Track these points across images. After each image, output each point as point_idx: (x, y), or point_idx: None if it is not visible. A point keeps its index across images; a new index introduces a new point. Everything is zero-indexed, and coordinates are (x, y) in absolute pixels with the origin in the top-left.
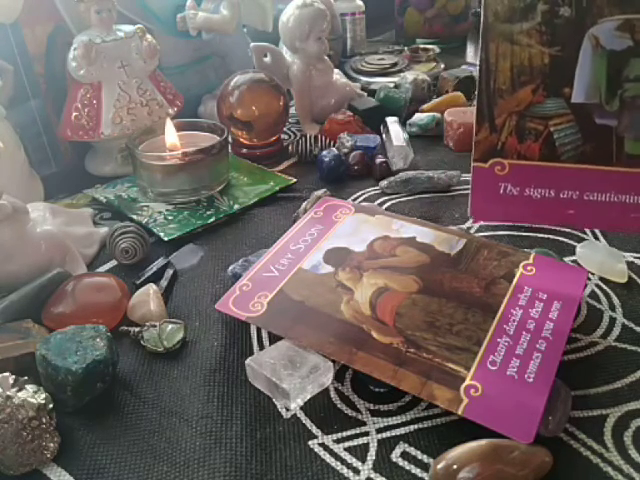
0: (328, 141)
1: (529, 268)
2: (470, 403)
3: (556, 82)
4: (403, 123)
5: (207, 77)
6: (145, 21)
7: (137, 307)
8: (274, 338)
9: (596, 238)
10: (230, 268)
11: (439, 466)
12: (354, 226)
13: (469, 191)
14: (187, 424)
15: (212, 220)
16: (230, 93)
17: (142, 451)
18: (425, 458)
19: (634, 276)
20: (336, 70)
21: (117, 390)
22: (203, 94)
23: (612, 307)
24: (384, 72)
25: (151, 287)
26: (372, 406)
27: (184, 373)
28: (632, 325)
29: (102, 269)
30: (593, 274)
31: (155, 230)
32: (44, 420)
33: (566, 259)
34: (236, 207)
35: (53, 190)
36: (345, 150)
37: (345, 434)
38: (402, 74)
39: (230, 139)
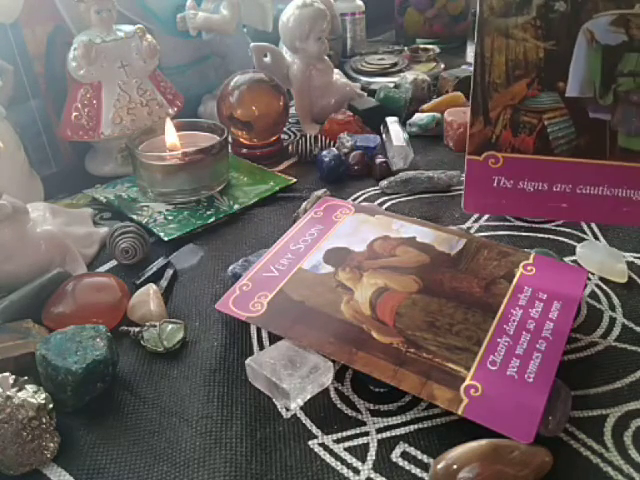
0: (328, 141)
1: (529, 268)
2: (470, 403)
3: (551, 76)
4: (403, 123)
5: (207, 77)
6: (145, 21)
7: (137, 307)
8: (274, 338)
9: (596, 238)
10: (230, 268)
11: (439, 466)
12: (354, 226)
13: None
14: (187, 424)
15: (212, 220)
16: (230, 93)
17: (142, 451)
18: (425, 458)
19: (634, 276)
20: (336, 70)
21: (117, 390)
22: (203, 94)
23: (612, 307)
24: (384, 72)
25: (151, 287)
26: (372, 406)
27: (184, 373)
28: (632, 325)
29: (102, 269)
30: (593, 274)
31: (155, 230)
32: (44, 420)
33: (566, 259)
34: (236, 207)
35: (53, 190)
36: (345, 150)
37: (345, 434)
38: (402, 74)
39: (230, 139)
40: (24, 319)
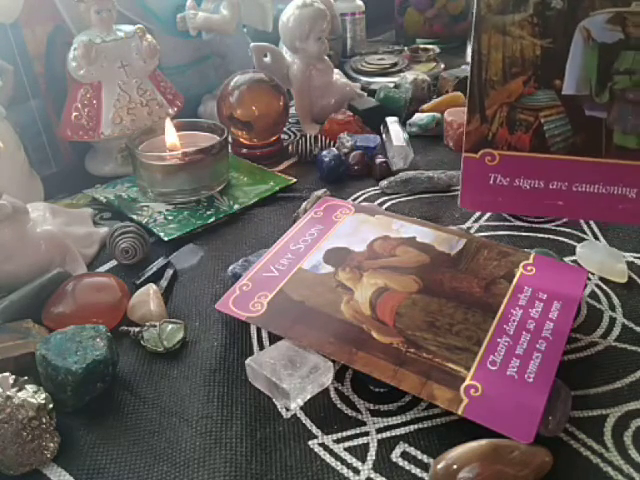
0: (328, 141)
1: (529, 268)
2: (470, 403)
3: (547, 74)
4: (403, 123)
5: (207, 77)
6: (145, 21)
7: (137, 307)
8: (274, 338)
9: (596, 238)
10: (230, 268)
11: (439, 466)
12: (354, 226)
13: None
14: (187, 424)
15: (212, 220)
16: (230, 93)
17: (142, 451)
18: (425, 458)
19: (634, 276)
20: (336, 70)
21: (117, 390)
22: (203, 94)
23: (612, 307)
24: (384, 72)
25: (151, 287)
26: (372, 406)
27: (184, 373)
28: (632, 325)
29: (102, 269)
30: (593, 274)
31: (155, 230)
32: (44, 420)
33: (566, 259)
34: (236, 207)
35: (53, 190)
36: (345, 150)
37: (345, 434)
38: (402, 74)
39: (230, 139)
40: (24, 319)
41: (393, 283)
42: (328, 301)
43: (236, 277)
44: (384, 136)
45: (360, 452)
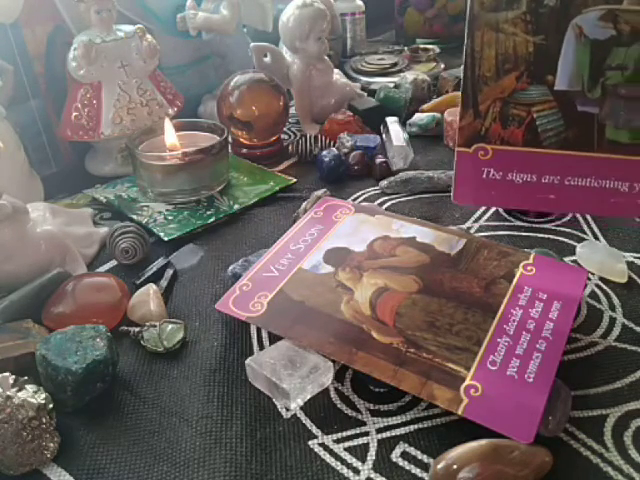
0: (328, 141)
1: (529, 268)
2: (470, 403)
3: (540, 70)
4: (403, 123)
5: (207, 77)
6: (145, 21)
7: (137, 307)
8: (274, 338)
9: (596, 238)
10: (230, 268)
11: (439, 466)
12: (354, 226)
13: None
14: (187, 424)
15: (212, 220)
16: (230, 93)
17: (142, 451)
18: (425, 458)
19: (634, 276)
20: (336, 70)
21: (117, 390)
22: (203, 94)
23: (612, 307)
24: (384, 72)
25: (151, 287)
26: (372, 406)
27: (184, 373)
28: (632, 325)
29: (102, 269)
30: (593, 274)
31: (155, 230)
32: (44, 420)
33: (566, 259)
34: (236, 207)
35: (53, 190)
36: (345, 150)
37: (345, 434)
38: (402, 74)
39: (230, 139)
40: (24, 319)
41: (393, 283)
42: (328, 301)
43: (236, 277)
44: (384, 136)
45: (360, 452)
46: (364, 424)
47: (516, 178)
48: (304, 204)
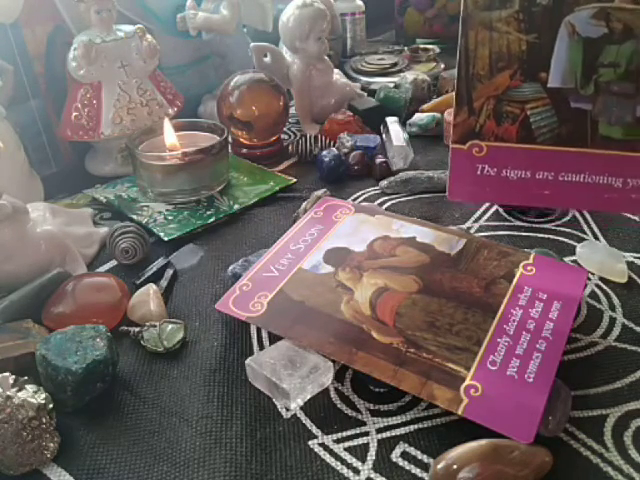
0: (328, 141)
1: (529, 268)
2: (470, 403)
3: (533, 67)
4: (403, 123)
5: (207, 77)
6: (145, 21)
7: (137, 307)
8: (274, 338)
9: (596, 238)
10: (230, 268)
11: (439, 466)
12: (354, 226)
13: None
14: (187, 424)
15: (212, 220)
16: (230, 93)
17: (142, 451)
18: (425, 458)
19: (634, 276)
20: (336, 70)
21: (117, 390)
22: (203, 94)
23: (612, 307)
24: (384, 72)
25: (151, 287)
26: (372, 406)
27: (184, 373)
28: (632, 325)
29: (102, 269)
30: (593, 274)
31: (155, 230)
32: (44, 420)
33: (566, 259)
34: (236, 207)
35: (53, 190)
36: (345, 150)
37: (345, 434)
38: (402, 74)
39: (230, 139)
40: (24, 319)
41: (393, 283)
42: (328, 301)
43: (236, 277)
44: (384, 136)
45: (360, 452)
46: (364, 424)
47: (510, 174)
48: (304, 204)
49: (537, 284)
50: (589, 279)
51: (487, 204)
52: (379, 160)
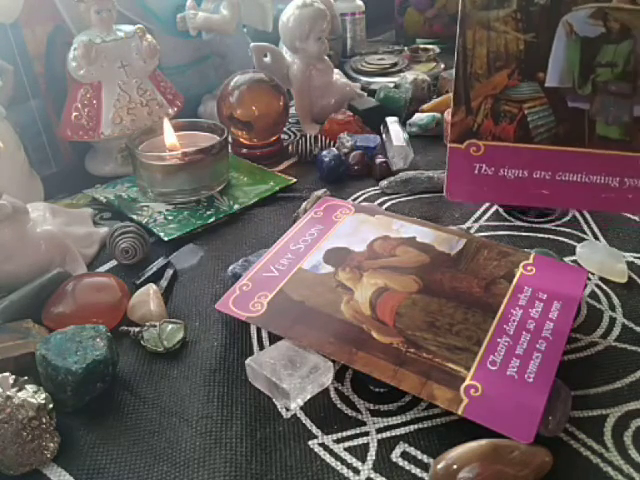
0: (328, 141)
1: (529, 268)
2: (470, 403)
3: (531, 67)
4: (403, 123)
5: (207, 77)
6: (145, 21)
7: (137, 307)
8: (274, 338)
9: (596, 238)
10: (230, 268)
11: (439, 466)
12: (354, 226)
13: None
14: (187, 424)
15: (212, 220)
16: (230, 93)
17: (142, 451)
18: (425, 458)
19: (634, 276)
20: (336, 70)
21: (117, 390)
22: (203, 94)
23: (612, 307)
24: (384, 72)
25: (151, 287)
26: (372, 406)
27: (184, 373)
28: (632, 325)
29: (102, 269)
30: (593, 274)
31: (155, 230)
32: (44, 420)
33: (566, 259)
34: (236, 207)
35: (53, 190)
36: (345, 150)
37: (345, 434)
38: (402, 74)
39: (230, 139)
40: (24, 319)
41: (393, 283)
42: (328, 301)
43: (236, 277)
44: (384, 136)
45: (360, 452)
46: (364, 424)
47: (508, 174)
48: (304, 204)
49: (537, 284)
50: (589, 279)
51: (487, 204)
52: (379, 160)
